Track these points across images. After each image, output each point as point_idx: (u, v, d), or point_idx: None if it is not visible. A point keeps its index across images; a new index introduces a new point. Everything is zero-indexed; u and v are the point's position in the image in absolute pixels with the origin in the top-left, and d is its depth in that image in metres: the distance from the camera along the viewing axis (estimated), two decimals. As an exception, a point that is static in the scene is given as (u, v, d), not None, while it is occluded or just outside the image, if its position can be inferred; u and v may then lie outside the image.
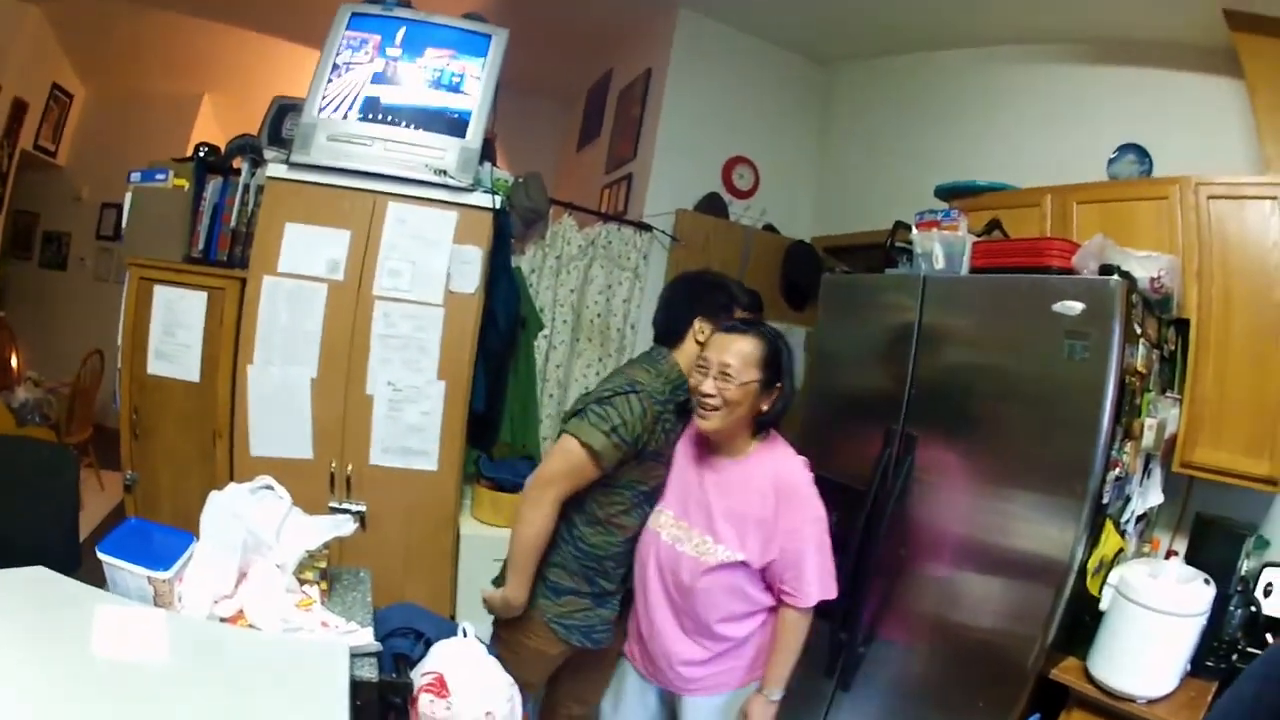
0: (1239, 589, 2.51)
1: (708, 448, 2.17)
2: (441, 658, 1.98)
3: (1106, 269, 2.40)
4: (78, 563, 2.46)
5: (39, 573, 1.73)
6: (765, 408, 2.07)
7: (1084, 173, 3.17)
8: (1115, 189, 3.03)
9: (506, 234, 3.34)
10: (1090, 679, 2.34)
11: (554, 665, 2.34)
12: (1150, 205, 2.82)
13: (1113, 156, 3.27)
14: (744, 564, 2.04)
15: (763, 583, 2.10)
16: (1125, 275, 2.36)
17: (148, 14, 6.36)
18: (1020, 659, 2.38)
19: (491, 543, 3.35)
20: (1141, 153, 3.20)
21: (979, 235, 2.92)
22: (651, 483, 2.26)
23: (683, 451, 2.25)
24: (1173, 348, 2.80)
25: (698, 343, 2.21)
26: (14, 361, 6.73)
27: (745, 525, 2.04)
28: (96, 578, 1.81)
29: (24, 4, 6.23)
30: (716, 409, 2.01)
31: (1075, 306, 2.34)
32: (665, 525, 2.19)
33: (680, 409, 2.22)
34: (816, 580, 2.04)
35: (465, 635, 2.00)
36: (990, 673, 2.47)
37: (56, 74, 7.24)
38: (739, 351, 2.01)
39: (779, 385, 2.07)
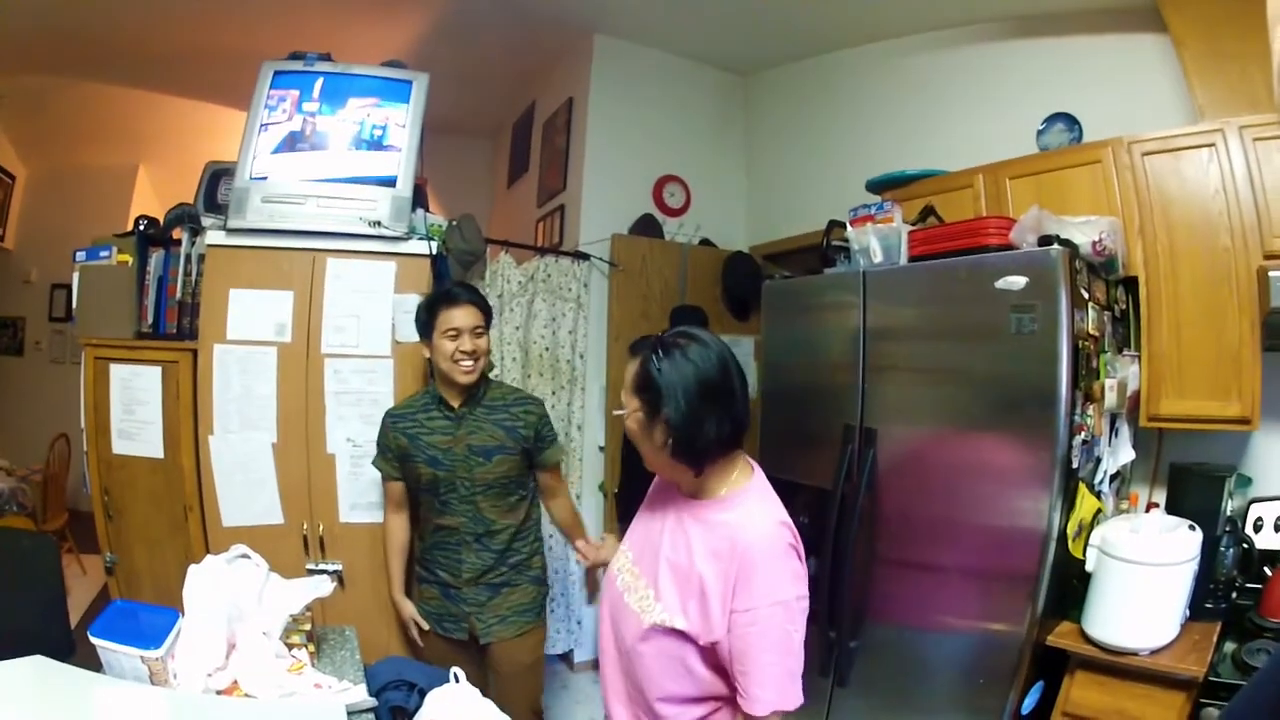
0: (1227, 529, 2.55)
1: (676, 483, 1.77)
2: (437, 705, 1.97)
3: (1046, 240, 2.42)
4: (72, 649, 2.44)
5: (38, 661, 1.72)
6: (668, 440, 1.58)
7: (1016, 149, 3.20)
8: (1047, 159, 3.07)
9: (446, 278, 3.32)
10: (1088, 639, 2.37)
11: (446, 657, 2.52)
12: (1084, 171, 2.87)
13: (1041, 128, 3.31)
14: (684, 634, 1.56)
15: (713, 663, 1.59)
16: (1065, 243, 2.40)
17: (79, 87, 6.31)
18: (1013, 631, 2.40)
19: None
20: (1070, 120, 3.24)
21: (914, 224, 2.96)
22: (423, 479, 2.65)
23: (658, 485, 1.87)
24: (1124, 307, 2.84)
25: (425, 359, 2.75)
26: (-15, 452, 6.66)
27: (689, 587, 1.57)
28: (92, 662, 1.80)
29: (-42, 85, 6.17)
30: (640, 449, 1.71)
31: (1018, 281, 2.36)
32: (623, 568, 1.81)
33: (434, 411, 2.67)
34: (772, 683, 1.50)
35: (457, 680, 1.99)
36: (985, 649, 2.50)
37: (-4, 155, 7.19)
38: (628, 378, 1.67)
39: (665, 413, 1.56)
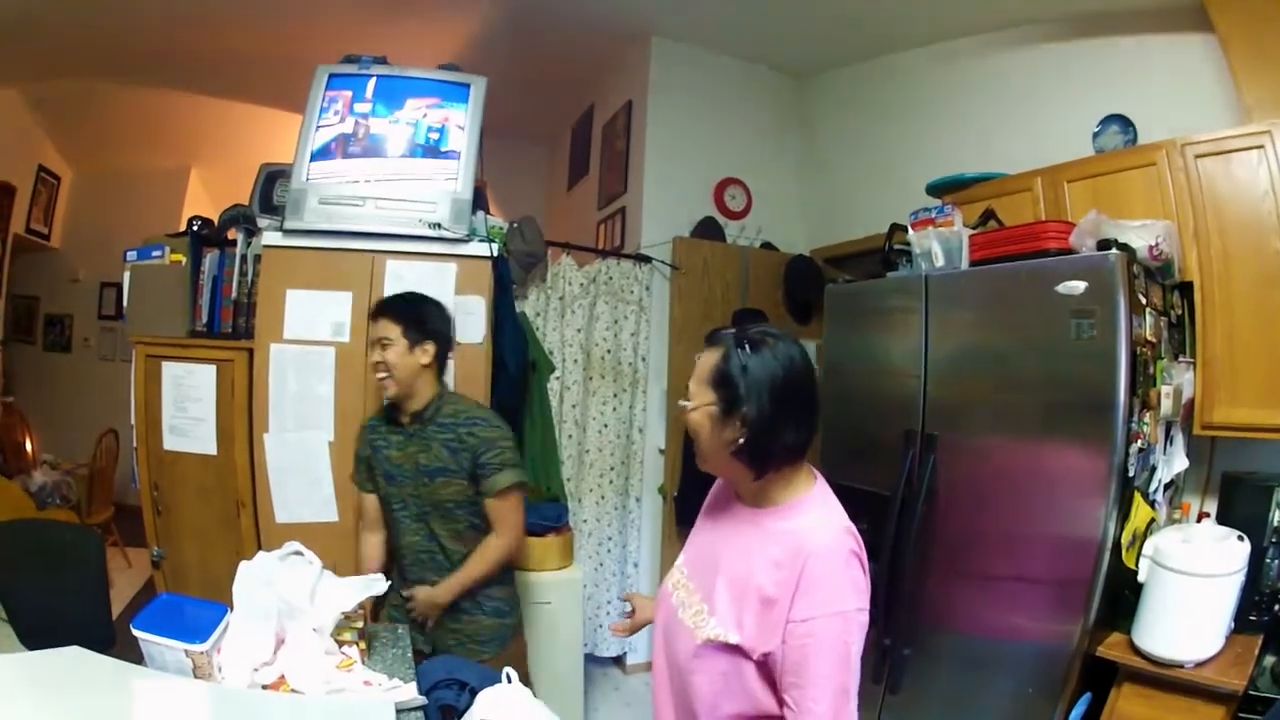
0: (1274, 540, 2.50)
1: (735, 491, 1.67)
2: (488, 705, 1.96)
3: (1104, 244, 2.40)
4: (112, 640, 2.48)
5: (75, 652, 1.74)
6: (739, 441, 1.48)
7: (1072, 151, 3.17)
8: (1103, 162, 3.03)
9: (507, 280, 3.34)
10: (1136, 651, 2.34)
11: None
12: (1139, 174, 2.83)
13: (1096, 130, 3.25)
14: (738, 648, 1.46)
15: (769, 680, 1.48)
16: (1123, 247, 2.37)
17: (126, 91, 6.39)
18: (1065, 641, 2.39)
19: (524, 587, 3.34)
20: (1125, 123, 3.19)
21: (974, 227, 2.94)
22: (380, 492, 2.65)
23: (719, 489, 1.77)
24: (1179, 312, 2.81)
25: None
26: (28, 446, 6.78)
27: (746, 597, 1.47)
28: (132, 654, 1.82)
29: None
30: (698, 445, 1.58)
31: (1078, 286, 2.35)
32: (678, 584, 1.69)
33: (392, 424, 2.63)
34: (827, 699, 1.38)
35: (509, 681, 1.98)
36: (1036, 659, 2.48)
37: (41, 156, 7.31)
38: (698, 369, 1.55)
39: (744, 411, 1.46)
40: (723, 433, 1.49)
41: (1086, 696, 2.45)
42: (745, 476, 1.54)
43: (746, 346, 1.48)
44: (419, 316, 2.53)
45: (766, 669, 1.45)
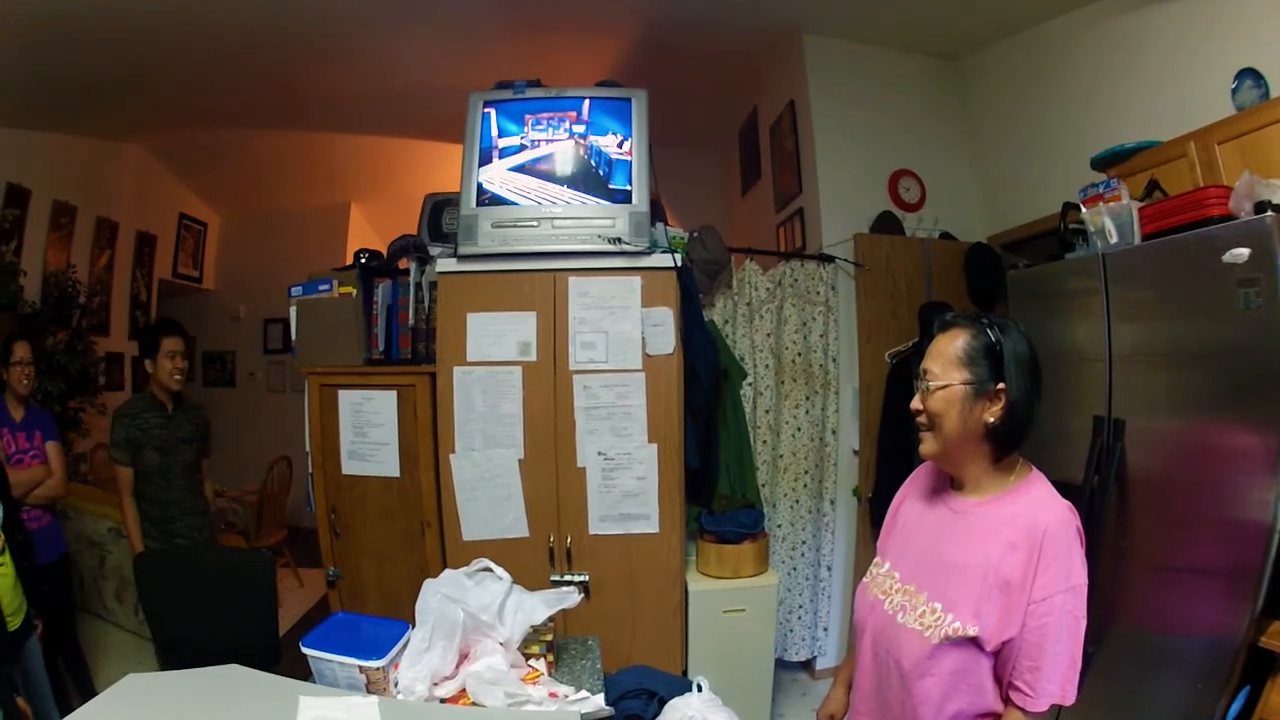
0: None
1: (948, 485, 1.69)
2: (676, 714, 1.99)
3: (1260, 206, 2.31)
4: (278, 657, 2.64)
5: (232, 669, 1.85)
6: (990, 419, 1.52)
7: (1219, 109, 3.01)
8: (1244, 120, 2.85)
9: (693, 289, 3.33)
10: (1294, 639, 2.20)
11: None
12: (1277, 129, 2.67)
13: (1233, 86, 3.06)
14: (974, 641, 1.47)
15: (997, 672, 1.51)
16: (1277, 209, 2.28)
17: (266, 136, 6.65)
18: (1232, 633, 2.30)
19: (720, 596, 3.39)
20: (1256, 76, 3.00)
21: (1141, 199, 2.87)
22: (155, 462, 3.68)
23: (916, 491, 1.81)
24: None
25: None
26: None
27: (985, 587, 1.47)
28: (299, 671, 1.92)
29: (119, 144, 6.57)
30: (927, 428, 1.59)
31: (1242, 253, 2.27)
32: (890, 590, 1.67)
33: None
34: (1058, 676, 1.42)
35: (700, 690, 2.00)
36: (1205, 652, 2.40)
37: (181, 205, 7.73)
38: (940, 351, 1.57)
39: (1001, 387, 1.52)
40: (974, 412, 1.53)
41: (1245, 690, 2.34)
42: (984, 460, 1.58)
43: (998, 327, 1.55)
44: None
45: (998, 661, 1.48)
